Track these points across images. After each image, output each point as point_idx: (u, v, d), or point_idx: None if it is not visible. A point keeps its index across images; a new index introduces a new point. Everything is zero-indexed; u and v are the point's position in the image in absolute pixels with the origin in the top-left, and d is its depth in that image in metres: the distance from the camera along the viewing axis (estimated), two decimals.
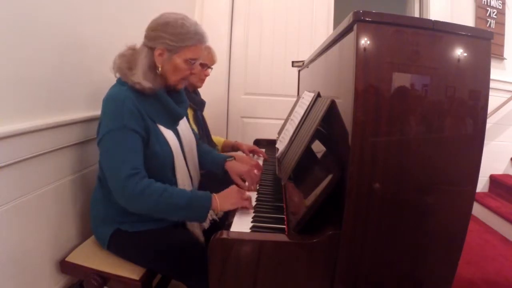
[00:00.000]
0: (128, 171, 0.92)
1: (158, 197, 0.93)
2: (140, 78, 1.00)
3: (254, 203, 1.08)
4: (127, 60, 1.04)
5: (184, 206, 0.95)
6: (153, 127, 1.03)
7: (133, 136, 0.97)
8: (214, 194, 1.00)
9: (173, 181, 1.10)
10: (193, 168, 1.23)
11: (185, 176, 1.15)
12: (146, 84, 1.00)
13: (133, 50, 1.07)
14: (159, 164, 1.04)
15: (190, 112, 1.63)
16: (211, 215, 1.18)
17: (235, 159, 1.35)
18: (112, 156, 0.95)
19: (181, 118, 1.18)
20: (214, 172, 1.33)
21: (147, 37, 1.05)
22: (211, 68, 1.66)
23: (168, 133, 1.09)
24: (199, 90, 1.76)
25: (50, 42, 1.04)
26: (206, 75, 1.63)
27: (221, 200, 0.99)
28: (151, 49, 1.04)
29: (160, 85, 1.05)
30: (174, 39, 1.01)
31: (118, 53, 1.07)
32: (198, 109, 1.67)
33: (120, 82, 1.04)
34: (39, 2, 0.98)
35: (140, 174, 0.94)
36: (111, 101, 0.99)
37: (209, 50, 1.60)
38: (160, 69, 1.04)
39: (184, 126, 1.22)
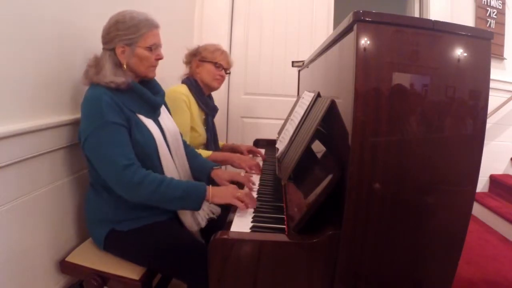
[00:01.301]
0: (124, 162, 0.95)
1: (155, 188, 0.96)
2: (111, 77, 1.02)
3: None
4: (92, 66, 1.05)
5: (180, 197, 0.99)
6: (133, 117, 1.05)
7: (117, 129, 0.98)
8: (209, 186, 1.03)
9: (159, 170, 1.10)
10: (180, 159, 1.23)
11: (170, 165, 1.15)
12: (119, 79, 1.02)
13: (95, 57, 1.08)
14: (143, 153, 1.05)
15: (201, 115, 1.65)
16: (207, 214, 1.19)
17: (221, 167, 1.35)
18: (103, 154, 0.96)
19: (159, 106, 1.19)
20: (199, 180, 1.33)
21: (104, 42, 1.07)
22: (229, 72, 1.71)
23: (149, 122, 1.10)
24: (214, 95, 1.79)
25: (50, 42, 1.04)
26: (221, 75, 1.65)
27: (214, 192, 1.03)
28: (112, 50, 1.06)
29: (131, 78, 1.06)
30: (129, 32, 1.04)
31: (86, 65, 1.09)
32: (210, 114, 1.69)
33: (93, 85, 1.04)
34: (39, 2, 0.98)
35: (136, 165, 0.97)
36: (87, 102, 1.00)
37: (222, 52, 1.65)
38: (125, 65, 1.07)
39: (166, 118, 1.23)
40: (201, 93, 1.63)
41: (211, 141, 1.69)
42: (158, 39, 1.11)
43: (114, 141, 0.97)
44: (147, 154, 1.07)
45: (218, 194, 1.03)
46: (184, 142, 1.32)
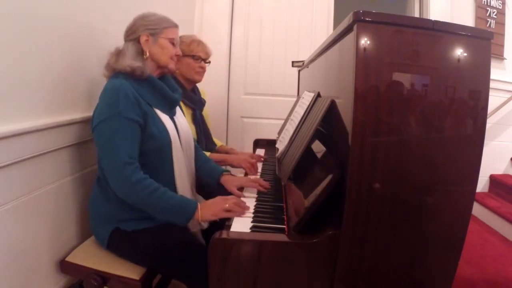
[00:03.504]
0: (124, 159, 0.95)
1: (149, 194, 0.96)
2: (129, 61, 1.05)
3: (254, 204, 1.08)
4: (113, 54, 1.10)
5: (168, 210, 1.00)
6: (150, 111, 1.06)
7: (128, 125, 0.98)
8: (199, 204, 1.02)
9: (169, 166, 1.11)
10: (189, 158, 1.23)
11: (181, 162, 1.15)
12: (135, 63, 1.05)
13: (117, 48, 1.13)
14: (156, 147, 1.06)
15: (188, 112, 1.59)
16: (200, 225, 1.19)
17: (231, 173, 1.34)
18: (108, 145, 0.97)
19: (176, 103, 1.21)
20: (207, 184, 1.32)
21: (127, 35, 1.13)
22: (209, 62, 1.61)
23: (165, 118, 1.12)
24: (200, 89, 1.74)
25: (51, 42, 1.04)
26: (202, 67, 1.57)
27: (203, 212, 1.01)
28: (135, 40, 1.10)
29: (149, 69, 1.09)
30: (153, 23, 1.10)
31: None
32: (197, 108, 1.63)
33: (113, 76, 1.07)
34: (40, 1, 0.98)
35: (136, 165, 0.98)
36: (107, 91, 1.02)
37: (199, 43, 1.56)
38: (147, 53, 1.10)
39: (181, 119, 1.24)
40: (183, 89, 1.54)
41: (201, 136, 1.63)
42: (178, 37, 1.17)
43: (122, 136, 0.97)
44: (160, 148, 1.08)
45: (207, 212, 1.01)
46: (196, 146, 1.33)
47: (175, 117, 1.19)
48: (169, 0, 1.99)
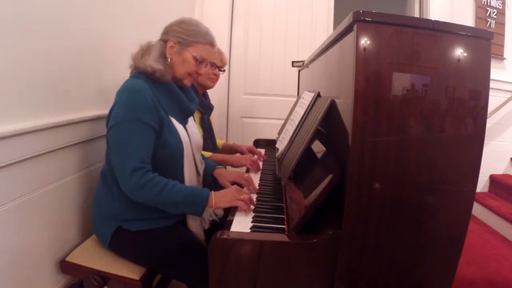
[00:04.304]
0: (135, 164, 0.94)
1: (159, 191, 0.95)
2: (151, 61, 1.04)
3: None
4: (141, 50, 1.09)
5: (182, 201, 0.98)
6: (166, 118, 1.06)
7: (145, 129, 0.98)
8: (212, 192, 1.02)
9: (180, 174, 1.11)
10: (199, 169, 1.23)
11: (192, 172, 1.16)
12: (157, 65, 1.04)
13: (149, 44, 1.11)
14: (169, 155, 1.06)
15: (197, 115, 1.64)
16: (210, 216, 1.19)
17: (225, 167, 1.34)
18: (121, 147, 0.97)
19: (191, 114, 1.21)
20: (204, 180, 1.33)
21: (163, 33, 1.12)
22: (223, 70, 1.68)
23: (179, 127, 1.11)
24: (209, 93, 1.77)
25: (53, 42, 1.04)
26: (216, 74, 1.63)
27: (217, 198, 1.01)
28: (164, 41, 1.09)
29: (169, 75, 1.08)
30: (186, 33, 1.08)
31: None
32: (206, 112, 1.68)
33: (134, 76, 1.06)
34: (42, 2, 0.98)
35: (146, 168, 0.97)
36: (126, 91, 1.01)
37: (218, 51, 1.62)
38: (169, 60, 1.08)
39: (192, 126, 1.24)
40: (196, 93, 1.61)
41: (208, 140, 1.67)
42: (209, 56, 1.13)
43: (137, 140, 0.97)
44: (172, 158, 1.08)
45: (222, 199, 1.01)
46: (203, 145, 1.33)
47: (187, 126, 1.19)
48: (169, 0, 1.99)
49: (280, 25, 2.55)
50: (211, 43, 1.13)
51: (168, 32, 1.10)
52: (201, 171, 1.24)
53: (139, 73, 1.06)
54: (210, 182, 1.29)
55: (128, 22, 1.48)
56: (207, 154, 1.52)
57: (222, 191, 1.04)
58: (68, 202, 1.19)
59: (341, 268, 0.80)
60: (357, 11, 0.71)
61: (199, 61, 1.10)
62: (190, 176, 1.14)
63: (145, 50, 1.08)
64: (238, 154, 1.67)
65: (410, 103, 0.74)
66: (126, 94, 1.00)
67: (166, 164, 1.05)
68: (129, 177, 0.94)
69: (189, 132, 1.18)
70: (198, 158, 1.23)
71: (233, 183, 1.21)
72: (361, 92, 0.72)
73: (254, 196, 1.13)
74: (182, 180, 1.11)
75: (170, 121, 1.08)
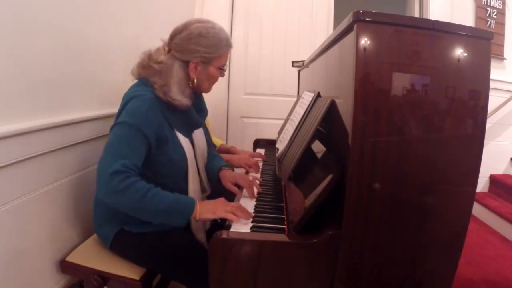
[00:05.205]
0: (118, 168, 0.88)
1: (140, 197, 0.88)
2: (178, 94, 1.01)
3: (254, 204, 1.08)
4: (153, 72, 1.03)
5: (164, 210, 0.91)
6: (170, 134, 1.04)
7: (139, 137, 0.95)
8: (198, 202, 0.97)
9: (184, 188, 1.10)
10: (204, 176, 1.23)
11: (196, 184, 1.15)
12: (184, 100, 1.01)
13: (148, 56, 1.06)
14: (172, 171, 1.05)
15: None
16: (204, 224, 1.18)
17: (233, 169, 1.34)
18: (112, 147, 0.93)
19: (199, 127, 1.19)
20: (210, 179, 1.32)
21: (179, 49, 1.03)
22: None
23: (184, 140, 1.10)
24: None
25: (53, 42, 1.04)
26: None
27: (202, 209, 0.95)
28: (185, 62, 1.04)
29: (191, 97, 1.05)
30: (209, 51, 1.03)
31: (137, 63, 1.07)
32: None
33: (143, 82, 1.04)
34: (42, 2, 0.98)
35: (127, 173, 0.89)
36: (134, 99, 0.98)
37: None
38: (195, 81, 1.05)
39: (198, 134, 1.22)
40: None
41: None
42: (227, 58, 1.12)
43: (128, 144, 0.93)
44: (177, 173, 1.07)
45: (206, 210, 0.95)
46: (209, 148, 1.31)
47: (192, 134, 1.17)
48: (169, 0, 1.99)
49: (280, 25, 2.55)
50: (230, 45, 1.10)
51: (188, 52, 1.02)
52: (207, 187, 1.22)
53: (150, 82, 1.02)
54: (216, 183, 1.29)
55: (128, 22, 1.48)
56: (219, 142, 1.49)
57: (209, 202, 1.00)
58: (68, 202, 1.18)
59: (341, 268, 0.80)
60: (357, 11, 0.71)
61: (223, 69, 1.09)
62: (194, 187, 1.13)
63: (165, 72, 1.01)
64: (237, 155, 1.67)
65: (410, 103, 0.74)
66: (133, 101, 0.98)
67: (170, 177, 1.05)
68: (108, 179, 0.88)
69: (195, 142, 1.17)
70: (202, 163, 1.21)
71: (235, 184, 1.21)
72: (361, 92, 0.72)
73: (253, 202, 1.11)
74: (185, 192, 1.11)
75: (175, 136, 1.07)
